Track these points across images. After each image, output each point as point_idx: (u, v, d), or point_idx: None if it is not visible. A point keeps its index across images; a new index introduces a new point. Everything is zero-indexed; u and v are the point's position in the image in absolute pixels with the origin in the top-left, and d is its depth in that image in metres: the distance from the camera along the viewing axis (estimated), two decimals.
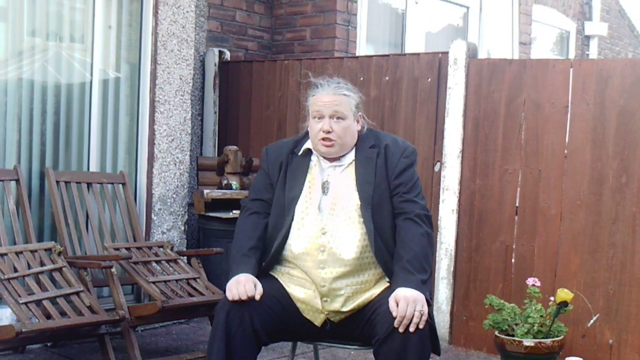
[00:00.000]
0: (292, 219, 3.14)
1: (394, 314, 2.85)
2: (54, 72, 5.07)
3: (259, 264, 3.16)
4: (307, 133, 3.28)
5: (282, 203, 3.18)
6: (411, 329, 2.83)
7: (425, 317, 2.86)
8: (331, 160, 3.21)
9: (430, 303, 2.97)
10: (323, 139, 3.14)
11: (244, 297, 2.95)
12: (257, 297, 2.98)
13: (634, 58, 10.74)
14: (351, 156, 3.20)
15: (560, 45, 10.31)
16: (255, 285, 3.01)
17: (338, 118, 3.15)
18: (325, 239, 3.08)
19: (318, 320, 3.13)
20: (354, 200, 3.11)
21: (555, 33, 10.21)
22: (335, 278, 3.06)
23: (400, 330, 2.84)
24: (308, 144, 3.25)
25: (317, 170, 3.20)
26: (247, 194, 3.42)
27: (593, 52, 10.44)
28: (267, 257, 3.18)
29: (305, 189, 3.17)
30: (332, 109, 3.14)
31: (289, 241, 3.14)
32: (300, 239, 3.11)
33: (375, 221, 3.08)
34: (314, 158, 3.23)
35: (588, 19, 10.44)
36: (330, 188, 3.16)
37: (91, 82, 5.19)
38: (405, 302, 2.86)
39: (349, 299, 3.08)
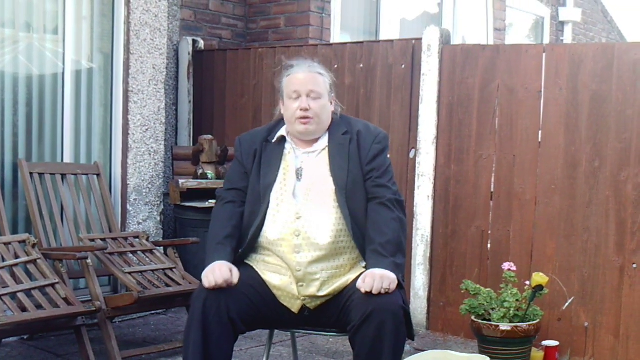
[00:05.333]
0: (268, 206, 3.14)
1: (362, 290, 2.88)
2: (27, 63, 5.02)
3: (235, 252, 3.15)
4: (280, 120, 3.27)
5: (258, 191, 3.18)
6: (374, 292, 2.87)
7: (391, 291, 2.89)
8: (304, 146, 3.20)
9: (403, 287, 2.99)
10: (301, 117, 3.14)
11: (220, 282, 2.94)
12: (235, 281, 2.98)
13: (605, 43, 10.80)
14: (324, 142, 3.21)
15: (535, 31, 10.35)
16: (231, 270, 3.00)
17: (315, 97, 3.15)
18: (300, 223, 3.08)
19: (295, 307, 3.13)
20: (329, 185, 3.12)
21: (530, 19, 10.25)
22: (311, 262, 3.06)
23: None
24: (282, 131, 3.24)
25: (292, 157, 3.20)
26: (223, 183, 3.41)
27: (567, 38, 10.49)
28: (244, 245, 3.18)
29: (280, 176, 3.17)
30: (308, 87, 3.15)
31: (265, 228, 3.13)
32: (276, 225, 3.11)
33: (349, 207, 3.09)
34: (288, 145, 3.23)
35: (562, 4, 10.49)
36: (304, 174, 3.16)
37: (64, 72, 5.15)
38: (372, 277, 2.89)
39: (324, 283, 3.09)
